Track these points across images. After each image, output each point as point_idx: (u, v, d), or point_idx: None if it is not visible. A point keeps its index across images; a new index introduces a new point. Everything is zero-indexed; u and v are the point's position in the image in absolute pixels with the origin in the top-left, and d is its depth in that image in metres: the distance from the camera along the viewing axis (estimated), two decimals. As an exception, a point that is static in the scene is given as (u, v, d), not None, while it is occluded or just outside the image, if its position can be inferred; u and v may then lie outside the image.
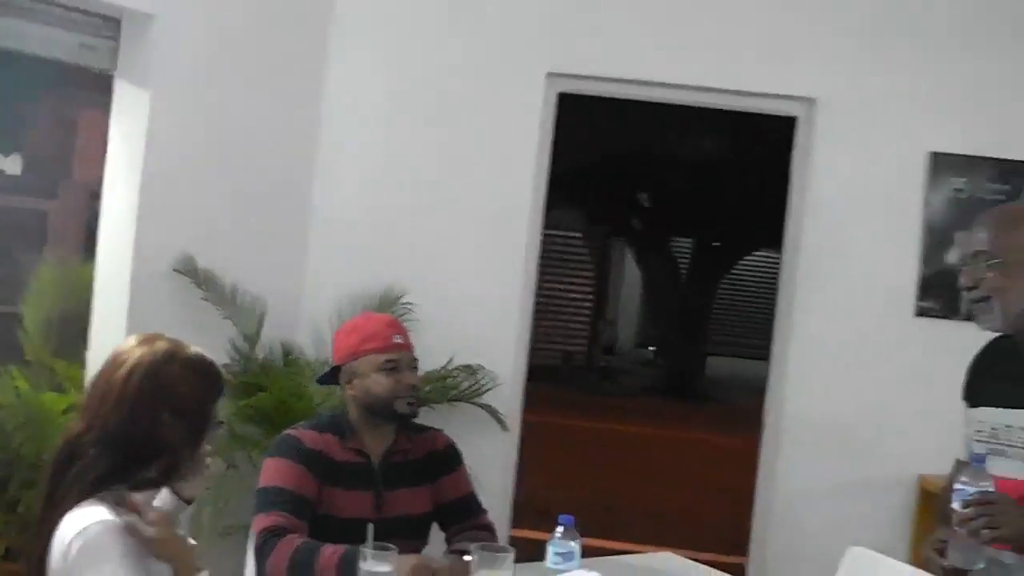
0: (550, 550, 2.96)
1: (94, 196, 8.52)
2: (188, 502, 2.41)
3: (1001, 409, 2.65)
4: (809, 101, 5.25)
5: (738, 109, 5.50)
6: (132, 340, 2.41)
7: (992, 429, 2.65)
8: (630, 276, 20.93)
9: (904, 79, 5.21)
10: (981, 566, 2.52)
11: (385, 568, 2.71)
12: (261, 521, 3.02)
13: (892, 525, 5.04)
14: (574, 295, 19.44)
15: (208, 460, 2.42)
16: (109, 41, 4.66)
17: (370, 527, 2.76)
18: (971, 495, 2.50)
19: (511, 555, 2.89)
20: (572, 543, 2.97)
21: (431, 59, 5.25)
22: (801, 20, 5.25)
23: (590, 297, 20.06)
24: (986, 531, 2.46)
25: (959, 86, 5.20)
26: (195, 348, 2.44)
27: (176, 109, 4.61)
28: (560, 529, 2.98)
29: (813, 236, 5.25)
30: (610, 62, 5.25)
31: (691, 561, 3.67)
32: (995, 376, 2.67)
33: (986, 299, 2.60)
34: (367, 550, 2.72)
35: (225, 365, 4.71)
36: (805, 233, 5.25)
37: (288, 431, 3.26)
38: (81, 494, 2.24)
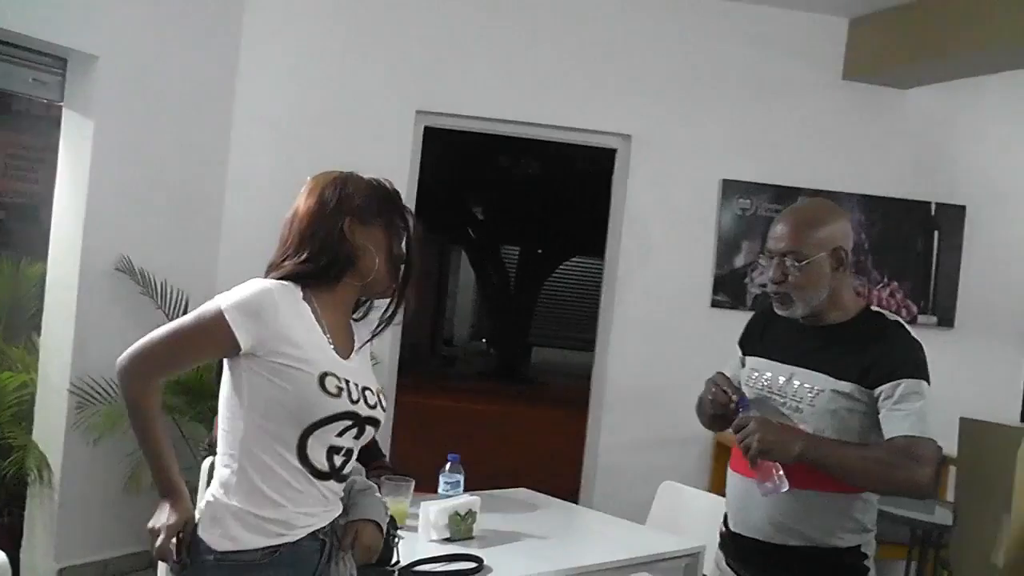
0: (441, 480, 3.33)
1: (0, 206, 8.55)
2: None
3: (768, 360, 2.70)
4: (626, 137, 5.68)
5: (570, 142, 5.90)
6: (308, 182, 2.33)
7: (766, 378, 2.68)
8: (464, 278, 21.27)
9: (701, 121, 5.70)
10: (784, 488, 2.43)
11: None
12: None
13: (693, 473, 5.42)
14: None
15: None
16: (57, 76, 4.79)
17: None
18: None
19: (411, 484, 3.26)
20: (458, 476, 3.34)
21: (322, 95, 5.49)
22: (620, 72, 5.66)
23: (431, 296, 20.28)
24: (753, 450, 2.41)
25: (745, 127, 5.72)
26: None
27: (115, 135, 4.81)
28: (448, 464, 3.35)
29: (629, 245, 5.67)
30: (467, 103, 5.59)
31: (542, 495, 3.98)
32: (766, 335, 2.73)
33: (789, 294, 2.60)
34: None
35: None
36: (623, 242, 5.68)
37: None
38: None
